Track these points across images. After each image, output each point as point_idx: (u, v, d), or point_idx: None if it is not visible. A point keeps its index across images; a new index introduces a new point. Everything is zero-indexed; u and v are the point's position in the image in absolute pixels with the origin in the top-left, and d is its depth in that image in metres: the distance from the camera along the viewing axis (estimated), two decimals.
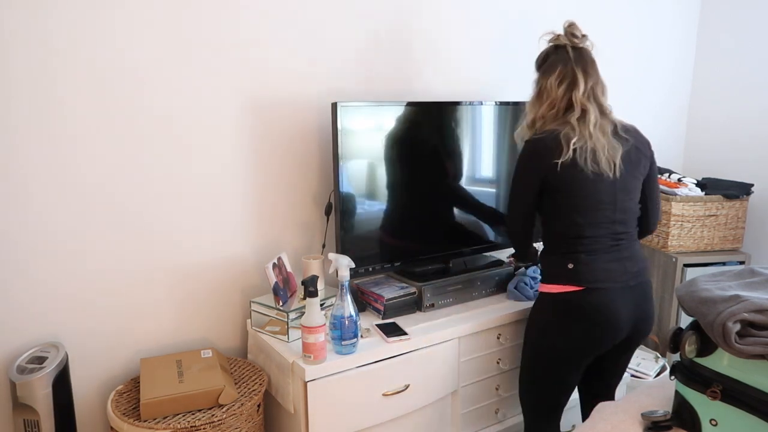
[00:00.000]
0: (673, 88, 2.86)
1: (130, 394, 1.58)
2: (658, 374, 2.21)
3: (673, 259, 2.40)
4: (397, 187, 1.85)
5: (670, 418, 1.16)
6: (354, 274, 1.74)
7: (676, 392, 1.17)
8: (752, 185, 2.47)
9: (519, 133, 1.71)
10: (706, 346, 1.10)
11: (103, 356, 1.66)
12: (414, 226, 1.92)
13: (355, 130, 1.73)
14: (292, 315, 1.65)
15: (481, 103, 1.98)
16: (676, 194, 2.39)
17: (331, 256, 1.60)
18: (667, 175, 2.57)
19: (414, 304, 1.84)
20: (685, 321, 1.46)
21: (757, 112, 2.63)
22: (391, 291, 1.82)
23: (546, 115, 1.60)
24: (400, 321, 1.75)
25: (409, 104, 1.83)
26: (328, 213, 1.92)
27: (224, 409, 1.48)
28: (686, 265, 2.39)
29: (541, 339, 1.63)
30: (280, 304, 1.68)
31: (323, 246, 1.98)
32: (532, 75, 1.69)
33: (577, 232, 1.55)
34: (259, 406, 1.59)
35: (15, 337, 1.53)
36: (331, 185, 1.89)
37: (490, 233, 2.10)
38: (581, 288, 1.54)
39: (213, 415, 1.45)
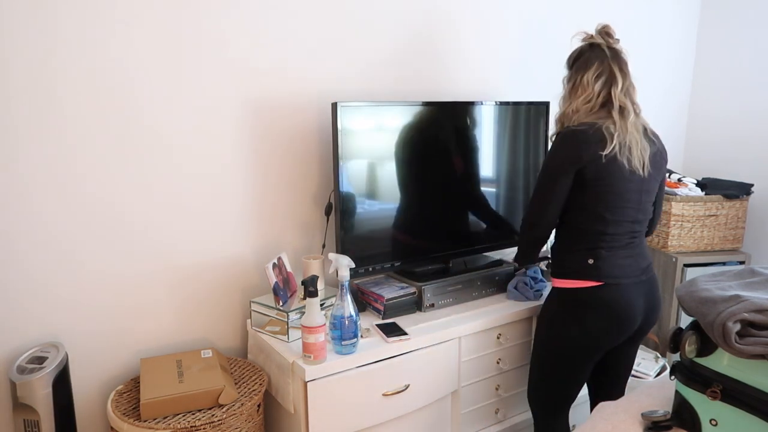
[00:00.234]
0: (673, 87, 2.86)
1: (130, 394, 1.58)
2: (658, 374, 2.21)
3: (673, 259, 2.40)
4: (402, 186, 1.86)
5: (670, 418, 1.17)
6: (354, 274, 1.74)
7: (676, 392, 1.17)
8: (752, 185, 2.47)
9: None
10: (706, 346, 1.10)
11: (103, 356, 1.66)
12: (419, 224, 1.92)
13: (355, 130, 1.73)
14: (292, 315, 1.65)
15: (482, 103, 1.98)
16: (676, 194, 2.39)
17: (331, 256, 1.60)
18: (667, 174, 2.57)
19: (414, 304, 1.84)
20: (685, 321, 1.46)
21: (757, 112, 2.63)
22: (391, 291, 1.82)
23: (581, 109, 1.59)
24: (400, 321, 1.76)
25: (409, 104, 1.83)
26: (328, 213, 1.92)
27: (224, 409, 1.48)
28: (686, 265, 2.39)
29: (556, 333, 1.63)
30: (280, 304, 1.68)
31: (323, 246, 1.98)
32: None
33: (600, 229, 1.55)
34: (259, 406, 1.59)
35: (15, 337, 1.54)
36: (331, 185, 1.90)
37: (492, 233, 2.10)
38: (600, 283, 1.55)
39: (213, 415, 1.45)
